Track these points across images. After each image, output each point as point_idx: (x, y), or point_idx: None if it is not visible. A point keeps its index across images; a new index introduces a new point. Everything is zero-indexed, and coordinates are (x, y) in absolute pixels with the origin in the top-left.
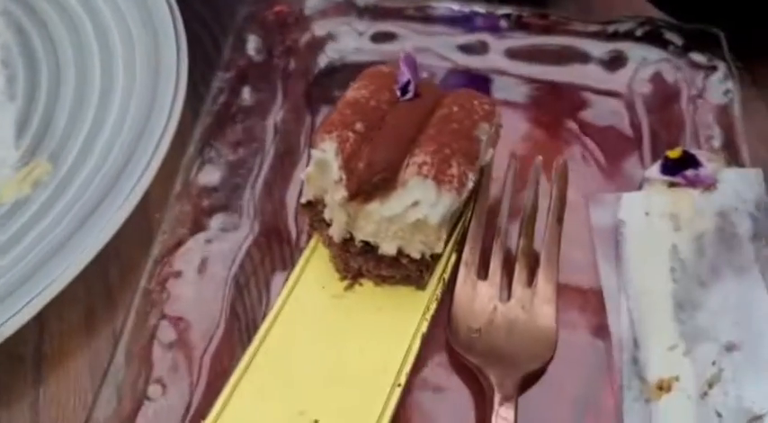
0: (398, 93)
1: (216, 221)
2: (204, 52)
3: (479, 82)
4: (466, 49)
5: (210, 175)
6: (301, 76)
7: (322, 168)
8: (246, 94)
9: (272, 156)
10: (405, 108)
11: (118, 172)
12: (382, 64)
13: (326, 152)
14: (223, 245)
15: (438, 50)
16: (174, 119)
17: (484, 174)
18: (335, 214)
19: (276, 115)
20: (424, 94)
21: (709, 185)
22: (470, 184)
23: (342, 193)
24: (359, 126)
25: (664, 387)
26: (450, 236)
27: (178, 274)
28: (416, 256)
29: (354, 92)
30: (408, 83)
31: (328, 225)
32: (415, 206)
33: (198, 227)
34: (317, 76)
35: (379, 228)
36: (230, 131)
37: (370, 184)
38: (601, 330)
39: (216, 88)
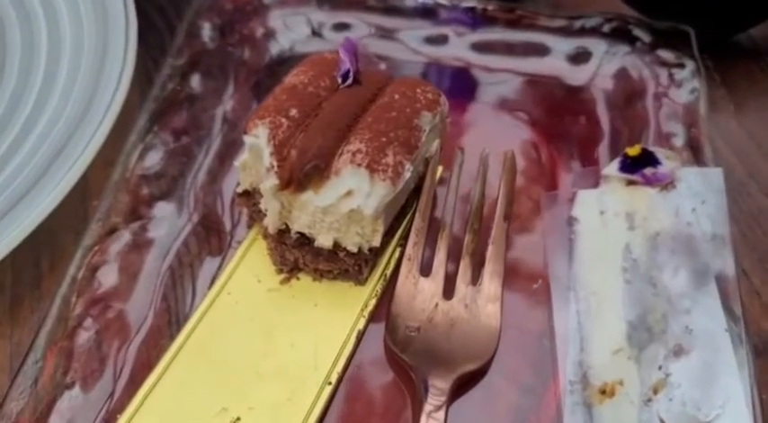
0: (339, 80)
1: (154, 210)
2: (160, 39)
3: (464, 79)
4: (429, 40)
5: (152, 163)
6: (254, 66)
7: (256, 156)
8: (196, 82)
9: (218, 145)
10: (344, 95)
11: (54, 155)
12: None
13: (259, 138)
14: (159, 234)
15: (400, 42)
16: (117, 103)
17: (429, 166)
18: (269, 204)
19: (226, 104)
20: (367, 82)
21: (666, 184)
22: (407, 175)
23: (273, 180)
24: (294, 112)
25: (607, 391)
26: (394, 230)
27: (109, 263)
28: (353, 249)
29: (293, 77)
30: (349, 70)
31: (265, 216)
32: (349, 196)
33: (134, 215)
34: (268, 65)
35: (314, 219)
36: (176, 118)
37: (302, 172)
38: (546, 332)
39: (165, 75)
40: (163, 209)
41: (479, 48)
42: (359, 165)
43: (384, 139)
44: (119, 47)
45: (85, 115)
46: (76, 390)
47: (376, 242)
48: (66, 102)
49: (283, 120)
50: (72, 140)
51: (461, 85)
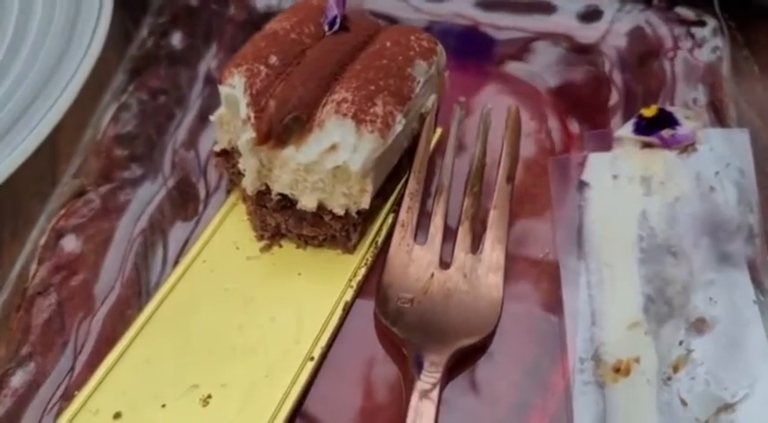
0: (325, 26)
1: (126, 173)
2: None
3: (466, 37)
4: None
5: (126, 123)
6: (239, 23)
7: (233, 108)
8: (177, 40)
9: (198, 106)
10: (330, 43)
11: (19, 114)
12: None
13: (235, 88)
14: (131, 199)
15: None
16: (89, 61)
17: (425, 123)
18: (247, 162)
19: (208, 63)
20: (356, 29)
21: (686, 146)
22: (399, 127)
23: (250, 134)
24: (273, 60)
25: (621, 369)
26: (386, 194)
27: (75, 229)
28: (340, 211)
29: (275, 23)
30: (336, 16)
31: (244, 176)
32: (334, 150)
33: (105, 178)
34: (254, 21)
35: (296, 178)
36: (154, 77)
37: (281, 124)
38: (553, 305)
39: (145, 33)
40: (136, 171)
41: (483, 5)
42: (344, 115)
43: (373, 88)
44: (93, 2)
45: (55, 72)
46: (32, 365)
47: (365, 204)
48: (35, 56)
49: (262, 67)
50: (39, 99)
51: (464, 44)
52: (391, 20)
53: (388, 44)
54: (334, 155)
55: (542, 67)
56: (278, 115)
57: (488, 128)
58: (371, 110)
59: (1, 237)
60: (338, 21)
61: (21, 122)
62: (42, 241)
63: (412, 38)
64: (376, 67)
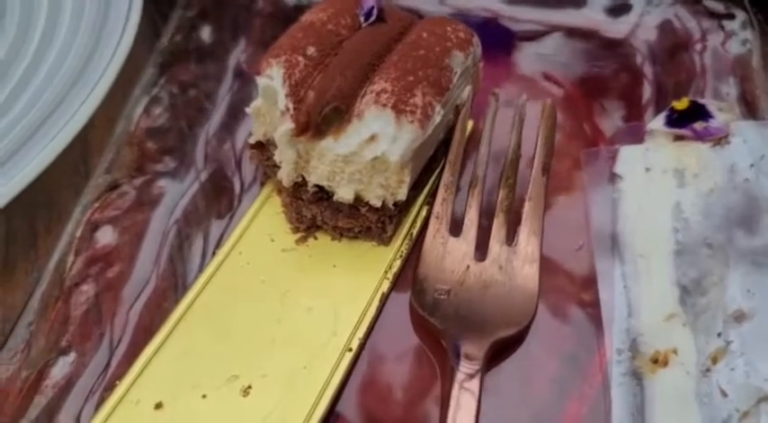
0: (361, 18)
1: (159, 165)
2: None
3: (494, 32)
4: None
5: (158, 116)
6: (268, 17)
7: (270, 100)
8: (206, 34)
9: (229, 99)
10: (367, 34)
11: (53, 108)
12: None
13: (273, 79)
14: (165, 191)
15: None
16: (120, 55)
17: (460, 115)
18: (284, 154)
19: (239, 56)
20: (392, 21)
21: (719, 139)
22: (438, 118)
23: (288, 125)
24: (311, 51)
25: (660, 360)
26: (421, 185)
27: (110, 221)
28: (377, 203)
29: (311, 15)
30: (372, 7)
31: (279, 168)
32: (373, 141)
33: (139, 171)
34: (285, 15)
35: (333, 169)
36: (184, 70)
37: (320, 115)
38: (589, 296)
39: (174, 27)
40: (169, 164)
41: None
42: (384, 105)
43: (412, 78)
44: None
45: (87, 66)
46: (72, 355)
47: (402, 195)
48: (67, 52)
49: (300, 58)
50: (72, 92)
51: (492, 39)
52: (418, 13)
53: (425, 35)
54: (374, 145)
55: (573, 61)
56: (317, 106)
57: (523, 119)
58: (411, 100)
59: (36, 229)
60: (375, 12)
61: (54, 116)
62: (78, 233)
63: (449, 29)
64: (414, 58)
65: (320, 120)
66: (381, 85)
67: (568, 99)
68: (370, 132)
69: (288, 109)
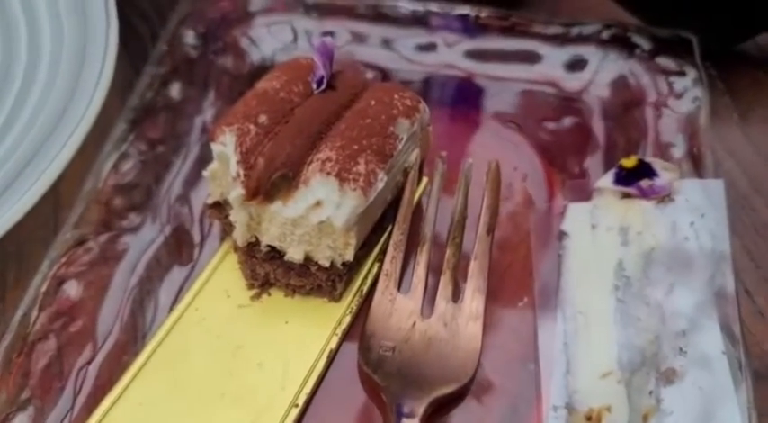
0: (313, 85)
1: (125, 222)
2: (142, 47)
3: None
4: (421, 48)
5: (126, 173)
6: (235, 75)
7: (224, 165)
8: (176, 91)
9: (195, 155)
10: (317, 101)
11: (26, 162)
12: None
13: (226, 146)
14: (129, 247)
15: (391, 50)
16: (93, 111)
17: (408, 177)
18: (237, 215)
19: (206, 114)
20: (343, 87)
21: (663, 197)
22: (380, 185)
23: (239, 190)
24: (263, 119)
25: (593, 417)
26: (371, 244)
27: (75, 276)
28: (325, 263)
29: (265, 82)
30: (323, 76)
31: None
32: (318, 207)
33: (105, 227)
34: (250, 73)
35: (283, 231)
36: (153, 127)
37: (269, 181)
38: (531, 353)
39: (145, 83)
40: (135, 220)
41: (473, 55)
42: (328, 173)
43: (356, 147)
44: (97, 54)
45: (60, 122)
46: (31, 408)
47: (349, 256)
48: (41, 109)
49: (251, 126)
50: (44, 148)
51: (452, 93)
52: (382, 70)
53: (373, 103)
54: (319, 211)
55: (529, 117)
56: (266, 173)
57: (469, 182)
58: (354, 169)
59: (5, 281)
60: (325, 81)
61: (27, 170)
62: (44, 288)
63: (396, 96)
64: (360, 127)
65: (269, 186)
66: (327, 153)
67: (522, 154)
68: (315, 198)
69: (239, 175)
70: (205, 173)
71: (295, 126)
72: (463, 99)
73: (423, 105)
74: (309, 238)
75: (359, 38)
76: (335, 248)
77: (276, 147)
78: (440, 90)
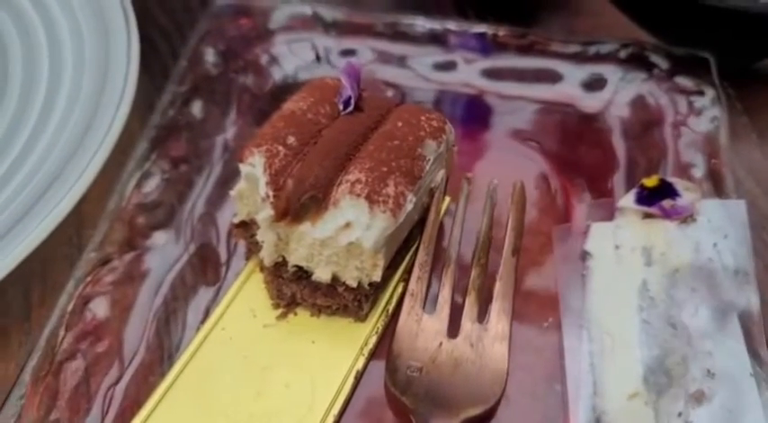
0: (340, 106)
1: (149, 241)
2: (163, 65)
3: (474, 106)
4: (439, 67)
5: (149, 191)
6: (257, 93)
7: (252, 185)
8: (197, 109)
9: (218, 173)
10: (344, 122)
11: (49, 182)
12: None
13: (255, 167)
14: (154, 266)
15: (409, 68)
16: (115, 130)
17: (434, 197)
18: (265, 235)
19: (227, 132)
20: (369, 108)
21: (686, 217)
22: (409, 206)
23: (268, 211)
24: (291, 140)
25: None
26: (396, 264)
27: (101, 295)
28: (353, 283)
29: (292, 104)
30: (350, 97)
31: (262, 248)
32: (348, 228)
33: (129, 246)
34: (271, 92)
35: (311, 251)
36: (175, 146)
37: (298, 203)
38: (557, 374)
39: (166, 101)
40: (158, 239)
41: (490, 74)
42: (358, 195)
43: (385, 169)
44: (119, 73)
45: (83, 142)
46: None
47: (376, 277)
48: (63, 128)
49: (280, 148)
50: (68, 167)
51: (471, 113)
52: (401, 89)
53: (400, 124)
54: (348, 232)
55: (548, 136)
56: (295, 194)
57: (494, 204)
58: (384, 190)
59: (30, 301)
60: (352, 102)
61: (51, 190)
62: (70, 308)
63: (422, 118)
64: (388, 148)
65: (298, 207)
66: (356, 175)
67: (543, 174)
68: (345, 220)
69: (268, 196)
70: (232, 193)
71: (323, 147)
72: (480, 118)
73: (448, 126)
74: (337, 259)
75: (381, 57)
76: (363, 269)
77: (305, 168)
78: (459, 109)
